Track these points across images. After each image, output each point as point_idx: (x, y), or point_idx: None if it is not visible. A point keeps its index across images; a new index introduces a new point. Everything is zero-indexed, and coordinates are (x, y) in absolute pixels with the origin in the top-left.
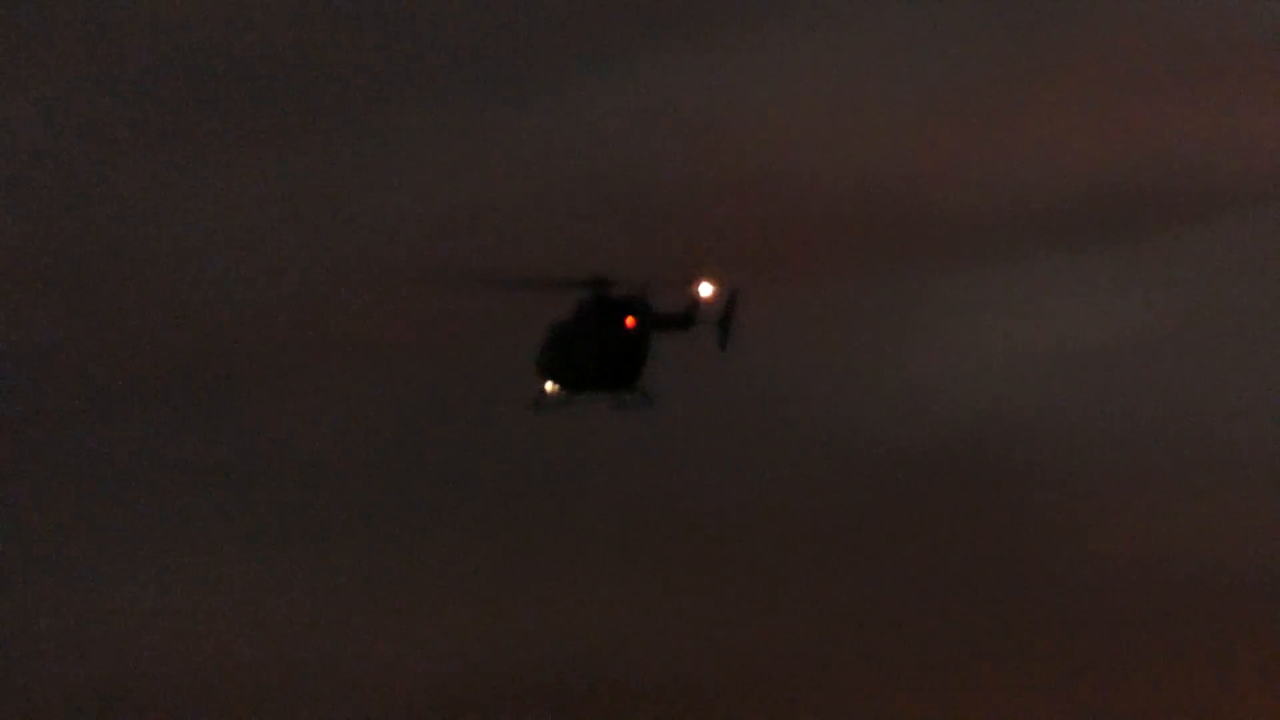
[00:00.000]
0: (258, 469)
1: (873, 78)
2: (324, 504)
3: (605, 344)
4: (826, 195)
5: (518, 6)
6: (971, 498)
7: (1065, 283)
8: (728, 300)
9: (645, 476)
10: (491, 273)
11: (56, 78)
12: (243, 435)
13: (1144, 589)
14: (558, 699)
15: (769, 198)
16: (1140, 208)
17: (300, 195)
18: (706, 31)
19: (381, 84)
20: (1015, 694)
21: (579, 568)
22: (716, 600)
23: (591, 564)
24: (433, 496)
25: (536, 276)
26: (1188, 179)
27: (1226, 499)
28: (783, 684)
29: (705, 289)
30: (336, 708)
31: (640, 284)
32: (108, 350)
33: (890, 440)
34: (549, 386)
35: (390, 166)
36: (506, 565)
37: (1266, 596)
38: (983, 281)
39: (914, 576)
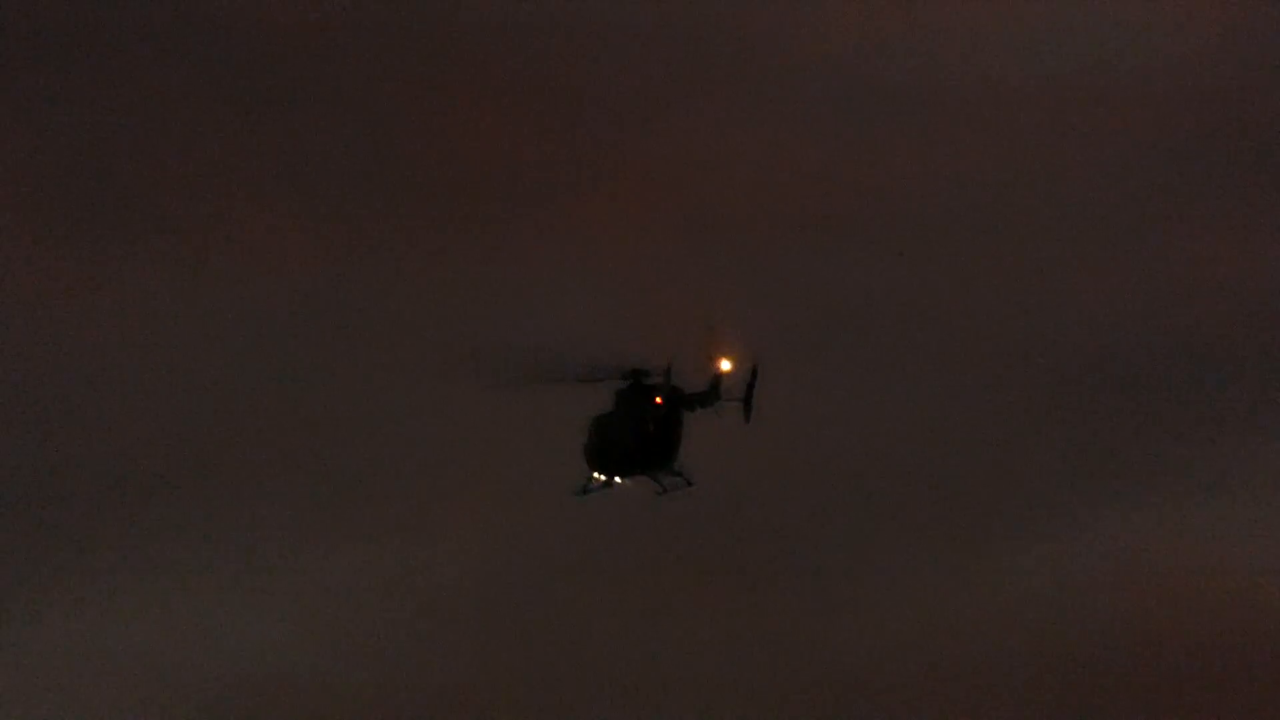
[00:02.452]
0: None
1: None
2: None
3: (639, 425)
4: None
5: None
6: None
7: None
8: (749, 374)
9: None
10: (539, 370)
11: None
12: None
13: None
14: None
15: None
16: None
17: None
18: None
19: None
20: None
21: None
22: None
23: None
24: None
25: (581, 371)
26: None
27: None
28: None
29: (724, 365)
30: None
31: (666, 369)
32: None
33: None
34: (597, 475)
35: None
36: None
37: None
38: None
39: None
